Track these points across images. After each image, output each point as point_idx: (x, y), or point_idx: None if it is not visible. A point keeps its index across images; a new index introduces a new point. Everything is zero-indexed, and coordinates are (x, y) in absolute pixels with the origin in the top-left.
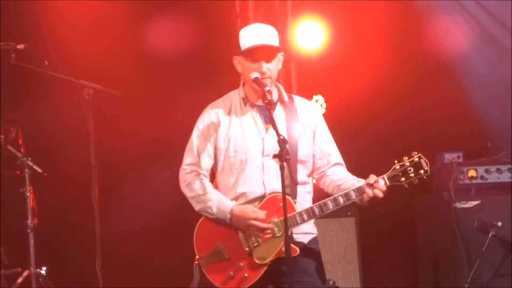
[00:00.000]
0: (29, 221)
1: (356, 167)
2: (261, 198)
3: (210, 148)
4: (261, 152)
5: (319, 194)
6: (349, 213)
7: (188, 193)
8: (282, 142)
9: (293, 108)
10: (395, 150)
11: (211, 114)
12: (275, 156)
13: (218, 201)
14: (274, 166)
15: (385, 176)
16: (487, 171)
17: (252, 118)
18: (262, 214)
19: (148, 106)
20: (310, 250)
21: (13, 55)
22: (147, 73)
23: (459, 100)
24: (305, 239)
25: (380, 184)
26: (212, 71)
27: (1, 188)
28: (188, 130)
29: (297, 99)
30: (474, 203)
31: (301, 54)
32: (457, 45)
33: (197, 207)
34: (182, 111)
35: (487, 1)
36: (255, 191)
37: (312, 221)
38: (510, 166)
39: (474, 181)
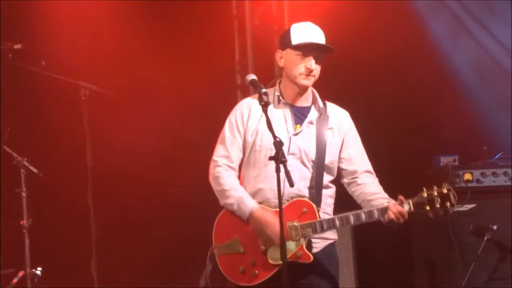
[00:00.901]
0: (24, 222)
1: None
2: (281, 196)
3: (240, 140)
4: (286, 151)
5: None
6: None
7: (214, 186)
8: (278, 144)
9: (325, 114)
10: (391, 153)
11: (243, 107)
12: (271, 158)
13: (240, 200)
14: (297, 165)
15: (410, 201)
16: (482, 174)
17: (283, 116)
18: (277, 226)
19: (144, 106)
20: (326, 256)
21: (10, 55)
22: (143, 73)
23: (455, 103)
24: (321, 244)
25: (404, 208)
26: (209, 72)
27: None
28: (184, 130)
29: (330, 105)
30: (470, 206)
31: None
32: (453, 48)
33: (221, 201)
34: (179, 112)
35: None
36: (275, 188)
37: None
38: (505, 170)
39: (469, 185)
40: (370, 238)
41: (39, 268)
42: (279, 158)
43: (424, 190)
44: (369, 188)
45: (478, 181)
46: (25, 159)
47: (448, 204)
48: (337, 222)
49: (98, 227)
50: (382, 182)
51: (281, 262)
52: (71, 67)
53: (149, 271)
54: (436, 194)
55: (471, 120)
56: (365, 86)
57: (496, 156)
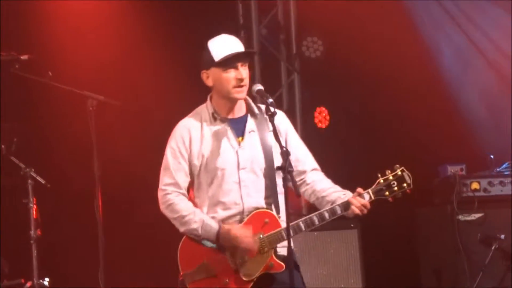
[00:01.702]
0: (32, 232)
1: (357, 177)
2: (240, 212)
3: (185, 165)
4: (236, 166)
5: None
6: (352, 225)
7: (170, 214)
8: (285, 154)
9: (262, 118)
10: (398, 161)
11: (182, 131)
12: (278, 168)
13: (203, 222)
14: (251, 178)
15: (369, 190)
16: (490, 183)
17: (224, 133)
18: (249, 232)
19: (151, 116)
20: (288, 264)
21: (16, 66)
22: (150, 83)
23: (462, 112)
24: (285, 251)
25: (365, 199)
26: None
27: (4, 199)
28: None
29: (264, 108)
30: (477, 215)
31: (305, 66)
32: (458, 56)
33: (181, 228)
34: None
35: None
36: (234, 205)
37: None
38: None
39: (477, 194)
40: (377, 247)
41: (47, 279)
42: (286, 167)
43: (379, 176)
44: (319, 185)
45: (485, 190)
46: (32, 169)
47: (405, 185)
48: (302, 226)
49: (106, 237)
50: None
51: (254, 277)
52: (78, 77)
53: (158, 281)
54: (391, 178)
55: (478, 129)
56: (370, 95)
57: (504, 166)
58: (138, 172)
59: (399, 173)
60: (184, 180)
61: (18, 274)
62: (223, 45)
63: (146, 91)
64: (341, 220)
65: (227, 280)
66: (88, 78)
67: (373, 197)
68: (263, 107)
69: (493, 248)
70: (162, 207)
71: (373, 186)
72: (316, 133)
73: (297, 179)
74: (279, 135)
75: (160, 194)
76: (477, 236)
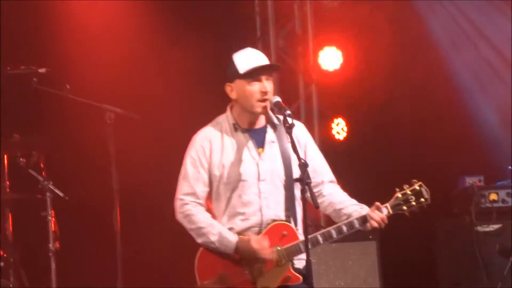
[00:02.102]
0: (50, 245)
1: (374, 189)
2: (259, 224)
3: (204, 175)
4: (257, 178)
5: None
6: (370, 237)
7: (187, 225)
8: (303, 166)
9: (282, 129)
10: (416, 173)
11: (203, 141)
12: (296, 180)
13: (221, 235)
14: (271, 190)
15: (388, 205)
16: (508, 194)
17: (244, 144)
18: (267, 244)
19: (169, 128)
20: (307, 276)
21: (34, 79)
22: (168, 95)
23: (480, 124)
24: (301, 264)
25: (383, 213)
26: None
27: (23, 212)
28: None
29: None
30: (496, 226)
31: (322, 77)
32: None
33: (199, 240)
34: None
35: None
36: (253, 217)
37: None
38: None
39: (495, 205)
40: (396, 259)
41: None
42: (304, 179)
43: (397, 190)
44: (336, 197)
45: (503, 201)
46: (51, 182)
47: (422, 200)
48: (320, 239)
49: (124, 250)
50: None
51: None
52: (95, 90)
53: None
54: (409, 192)
55: (496, 141)
56: (387, 107)
57: None
58: (156, 184)
59: (417, 187)
60: (202, 190)
61: (37, 286)
62: (248, 58)
63: (164, 103)
64: (359, 231)
65: None
66: (105, 91)
67: (391, 212)
68: (281, 118)
69: (511, 259)
70: (179, 216)
71: (391, 201)
72: (334, 145)
73: (314, 190)
74: (298, 146)
75: (177, 203)
76: (496, 247)
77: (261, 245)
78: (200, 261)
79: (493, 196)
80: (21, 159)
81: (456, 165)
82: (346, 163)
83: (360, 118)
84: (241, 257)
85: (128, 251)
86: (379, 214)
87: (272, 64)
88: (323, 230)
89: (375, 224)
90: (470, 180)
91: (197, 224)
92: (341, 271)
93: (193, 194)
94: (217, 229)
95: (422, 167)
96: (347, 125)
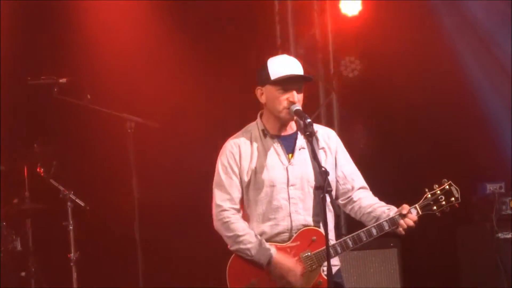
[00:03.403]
0: (71, 255)
1: (396, 194)
2: (288, 230)
3: (237, 181)
4: (286, 183)
5: None
6: (391, 244)
7: (224, 232)
8: (324, 174)
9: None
10: (436, 179)
11: (233, 148)
12: (317, 188)
13: (258, 246)
14: (300, 196)
15: (417, 205)
16: None
17: (274, 150)
18: (300, 270)
19: (190, 137)
20: (335, 284)
21: (55, 89)
22: (188, 103)
23: (501, 131)
24: (332, 269)
25: (412, 214)
26: (254, 103)
27: (44, 221)
28: None
29: (315, 126)
30: None
31: (343, 85)
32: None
33: (233, 247)
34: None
35: None
36: (282, 222)
37: None
38: None
39: None
40: (417, 266)
41: None
42: (325, 187)
43: (427, 191)
44: (365, 201)
45: None
46: (72, 192)
47: (452, 199)
48: (350, 243)
49: (145, 260)
50: None
51: None
52: (116, 99)
53: None
54: (439, 192)
55: None
56: (408, 114)
57: None
58: (176, 193)
59: (447, 187)
60: (237, 196)
61: None
62: (281, 64)
63: (184, 111)
64: (381, 239)
65: None
66: (125, 100)
67: (420, 212)
68: (314, 125)
69: None
70: (217, 223)
71: (421, 201)
72: (354, 152)
73: (344, 197)
74: (329, 153)
75: (216, 210)
76: None
77: (294, 269)
78: (231, 268)
79: None
80: (41, 169)
81: (477, 172)
82: (367, 170)
83: (381, 126)
84: (270, 271)
85: (149, 261)
86: (411, 216)
87: (303, 75)
88: (353, 234)
89: (404, 225)
90: (491, 187)
91: (235, 231)
92: (363, 279)
93: (231, 199)
94: (255, 238)
95: (442, 173)
96: (367, 132)
